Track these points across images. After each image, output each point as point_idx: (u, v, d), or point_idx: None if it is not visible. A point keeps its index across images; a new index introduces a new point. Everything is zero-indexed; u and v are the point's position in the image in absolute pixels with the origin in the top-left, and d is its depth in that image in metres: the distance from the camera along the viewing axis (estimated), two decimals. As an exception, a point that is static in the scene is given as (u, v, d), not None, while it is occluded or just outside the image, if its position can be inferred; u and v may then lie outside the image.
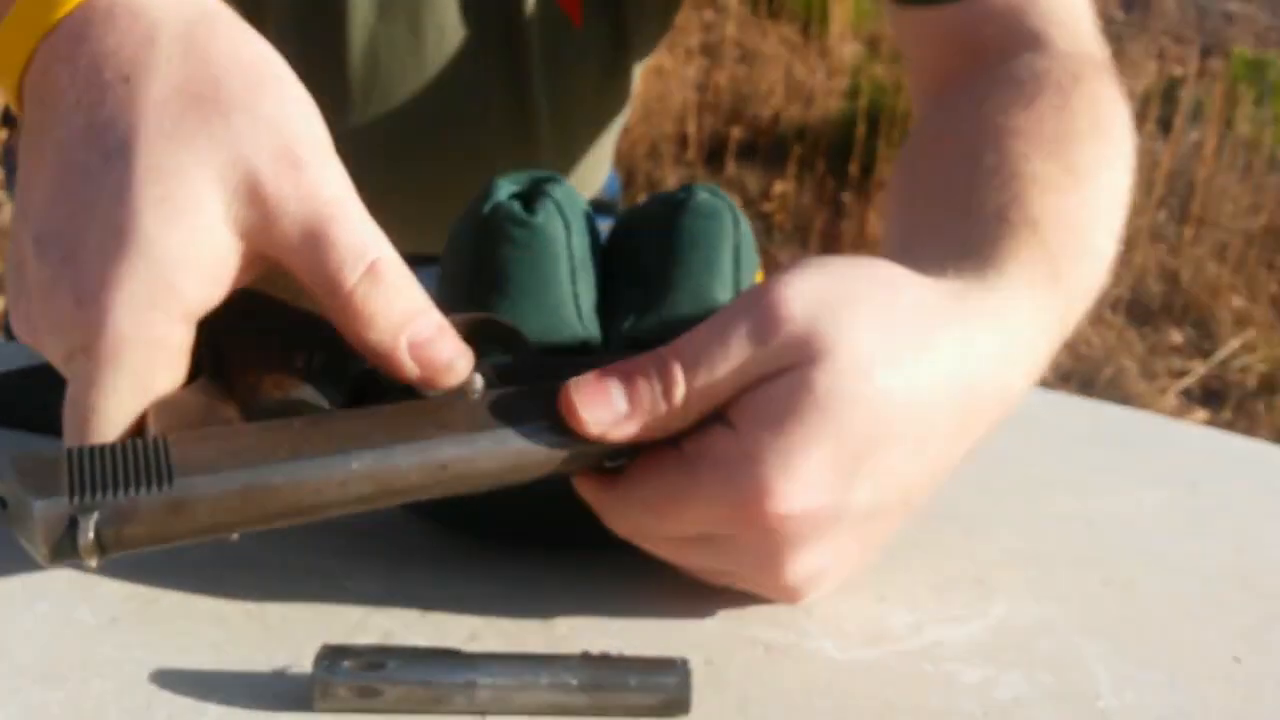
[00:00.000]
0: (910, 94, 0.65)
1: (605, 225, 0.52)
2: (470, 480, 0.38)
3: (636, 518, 0.41)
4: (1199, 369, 2.56)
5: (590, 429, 0.39)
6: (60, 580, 0.44)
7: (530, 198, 0.48)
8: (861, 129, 2.95)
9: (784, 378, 0.39)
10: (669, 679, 0.38)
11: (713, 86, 3.20)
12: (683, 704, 0.38)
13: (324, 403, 0.38)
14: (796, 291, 0.40)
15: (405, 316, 0.38)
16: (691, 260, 0.48)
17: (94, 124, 0.37)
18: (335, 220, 0.38)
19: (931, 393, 0.40)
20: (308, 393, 0.38)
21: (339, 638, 0.41)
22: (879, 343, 0.39)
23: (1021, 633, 0.45)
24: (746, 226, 0.50)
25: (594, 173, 0.84)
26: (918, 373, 0.40)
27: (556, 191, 0.48)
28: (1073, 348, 2.51)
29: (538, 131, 0.76)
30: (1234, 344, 2.61)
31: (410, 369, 0.38)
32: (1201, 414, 2.42)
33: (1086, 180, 0.49)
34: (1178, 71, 3.23)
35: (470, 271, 0.48)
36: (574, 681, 0.38)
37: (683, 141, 3.03)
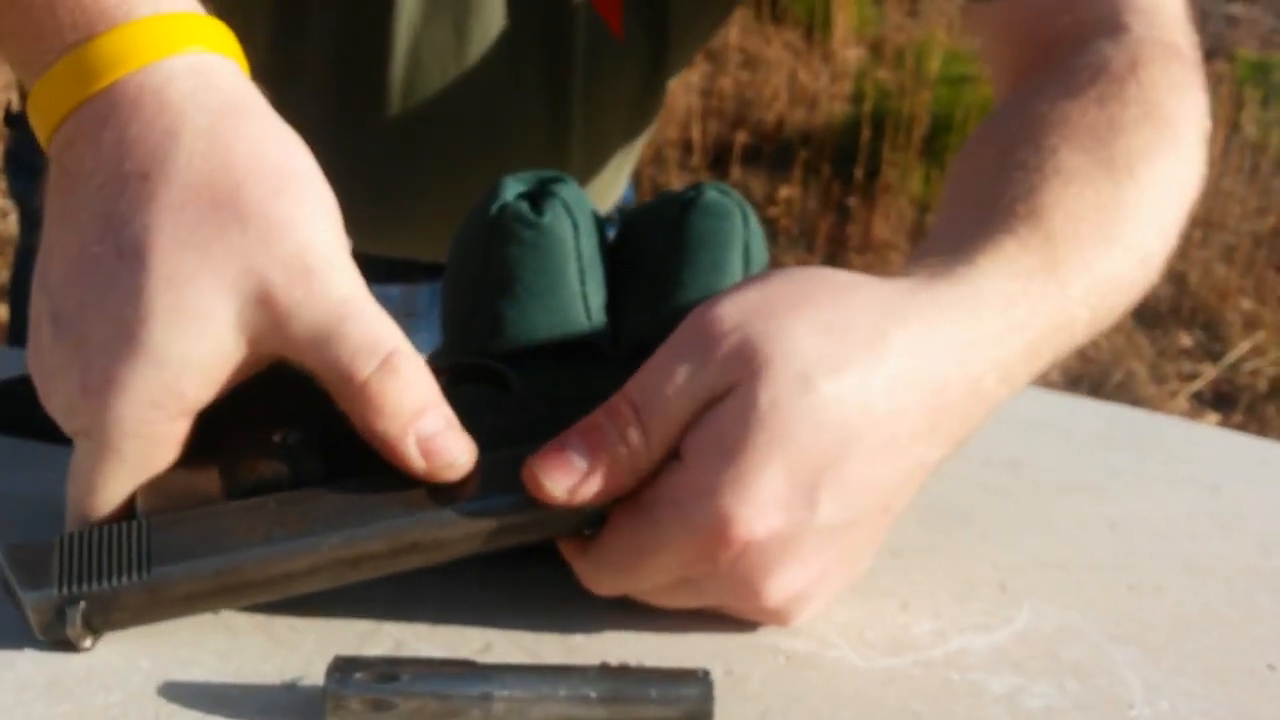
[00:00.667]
0: (993, 91, 0.63)
1: (614, 233, 0.51)
2: (442, 553, 0.40)
3: (614, 578, 0.41)
4: (1209, 372, 2.55)
5: (557, 495, 0.39)
6: (64, 591, 0.43)
7: (537, 198, 0.47)
8: (866, 133, 2.95)
9: (728, 399, 0.39)
10: (690, 690, 0.37)
11: (717, 92, 3.20)
12: (705, 716, 0.37)
13: (303, 474, 0.40)
14: (731, 307, 0.40)
15: (416, 410, 0.39)
16: (701, 260, 0.47)
17: (111, 218, 0.38)
18: (347, 319, 0.38)
19: (888, 393, 0.39)
20: (283, 470, 0.40)
21: (350, 649, 0.40)
22: (820, 348, 0.39)
23: (1048, 640, 0.44)
24: (757, 225, 0.49)
25: (615, 186, 0.84)
26: (867, 374, 0.39)
27: (564, 191, 0.48)
28: (1081, 351, 2.50)
29: (570, 142, 0.76)
30: (1244, 347, 2.60)
31: (416, 462, 0.39)
32: (1212, 417, 2.41)
33: (1124, 172, 0.47)
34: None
35: (478, 272, 0.47)
36: (593, 694, 0.37)
37: (687, 147, 3.03)
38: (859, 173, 2.94)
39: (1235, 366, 2.57)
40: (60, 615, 0.37)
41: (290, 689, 0.38)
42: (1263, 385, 2.54)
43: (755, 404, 0.38)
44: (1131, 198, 0.47)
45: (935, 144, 2.96)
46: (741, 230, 0.48)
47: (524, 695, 0.37)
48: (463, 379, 0.43)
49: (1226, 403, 2.49)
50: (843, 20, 3.41)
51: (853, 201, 2.95)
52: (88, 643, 0.38)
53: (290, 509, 0.39)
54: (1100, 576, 0.50)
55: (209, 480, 0.40)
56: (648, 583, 0.41)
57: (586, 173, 0.79)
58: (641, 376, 0.40)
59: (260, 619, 0.42)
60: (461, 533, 0.39)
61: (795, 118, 3.17)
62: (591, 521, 0.40)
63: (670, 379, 0.39)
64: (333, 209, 0.40)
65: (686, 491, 0.39)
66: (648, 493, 0.40)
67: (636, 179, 0.90)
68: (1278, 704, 0.42)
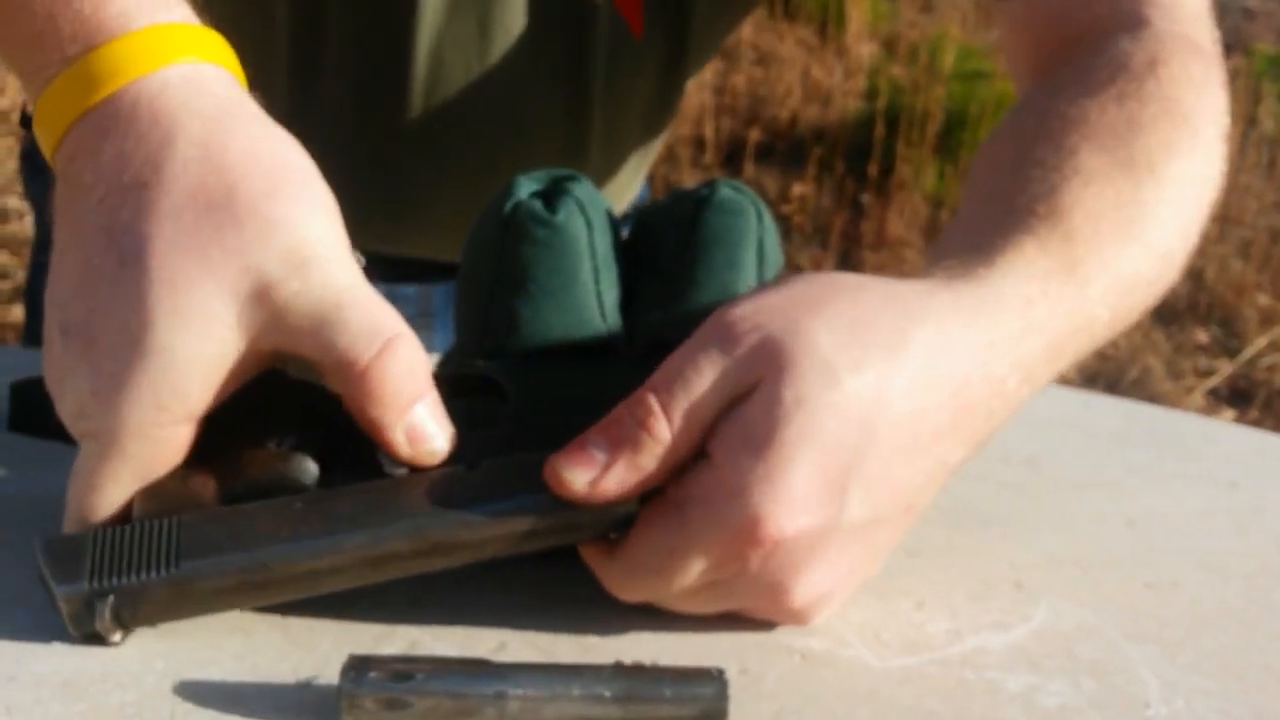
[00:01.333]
0: (1014, 88, 0.63)
1: (628, 231, 0.51)
2: (466, 555, 0.40)
3: (641, 582, 0.41)
4: (1226, 368, 2.53)
5: (577, 488, 0.39)
6: (81, 590, 0.43)
7: (551, 196, 0.47)
8: (880, 129, 2.94)
9: (754, 397, 0.38)
10: (706, 689, 0.37)
11: (730, 89, 3.19)
12: (720, 715, 0.37)
13: (296, 480, 0.40)
14: (752, 307, 0.40)
15: (412, 397, 0.39)
16: (715, 257, 0.47)
17: (113, 229, 0.39)
18: (346, 306, 0.39)
19: (910, 392, 0.39)
20: (276, 474, 0.40)
21: (365, 648, 0.40)
22: (843, 346, 0.39)
23: (1065, 638, 0.44)
24: (771, 222, 0.49)
25: (632, 185, 0.84)
26: (890, 373, 0.39)
27: (578, 190, 0.48)
28: (1097, 349, 2.48)
29: (589, 142, 0.76)
30: (1260, 342, 2.58)
31: (403, 448, 0.40)
32: (1229, 414, 2.40)
33: (1144, 171, 0.47)
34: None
35: (492, 271, 0.47)
36: (607, 693, 0.37)
37: (700, 144, 3.03)
38: (873, 169, 2.94)
39: (1252, 363, 2.56)
40: (90, 608, 0.38)
41: (305, 688, 0.38)
42: (1279, 381, 2.52)
43: (780, 399, 0.38)
44: (1152, 196, 0.47)
45: (949, 140, 2.95)
46: (755, 227, 0.48)
47: (538, 694, 0.37)
48: (458, 392, 0.43)
49: (1243, 399, 2.48)
50: (856, 16, 3.40)
51: (867, 198, 2.94)
52: (116, 636, 0.39)
53: (315, 508, 0.39)
54: (1117, 574, 0.49)
55: (204, 485, 0.40)
56: (675, 586, 0.40)
57: (605, 172, 0.79)
58: (663, 372, 0.40)
59: (276, 619, 0.42)
60: (486, 535, 0.39)
61: (809, 114, 3.16)
62: (618, 524, 0.40)
63: (694, 373, 0.39)
64: (329, 204, 0.41)
65: (716, 490, 0.38)
66: (675, 492, 0.39)
67: (649, 177, 0.90)
68: (1297, 703, 0.41)
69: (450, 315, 0.72)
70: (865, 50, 3.37)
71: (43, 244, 0.88)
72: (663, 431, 0.39)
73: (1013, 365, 0.42)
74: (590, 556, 0.42)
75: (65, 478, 0.52)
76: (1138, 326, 2.59)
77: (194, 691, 0.38)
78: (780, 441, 0.38)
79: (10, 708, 0.37)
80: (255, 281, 0.38)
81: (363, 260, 0.41)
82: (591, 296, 0.47)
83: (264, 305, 0.39)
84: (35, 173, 0.86)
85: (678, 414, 0.39)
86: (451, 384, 0.42)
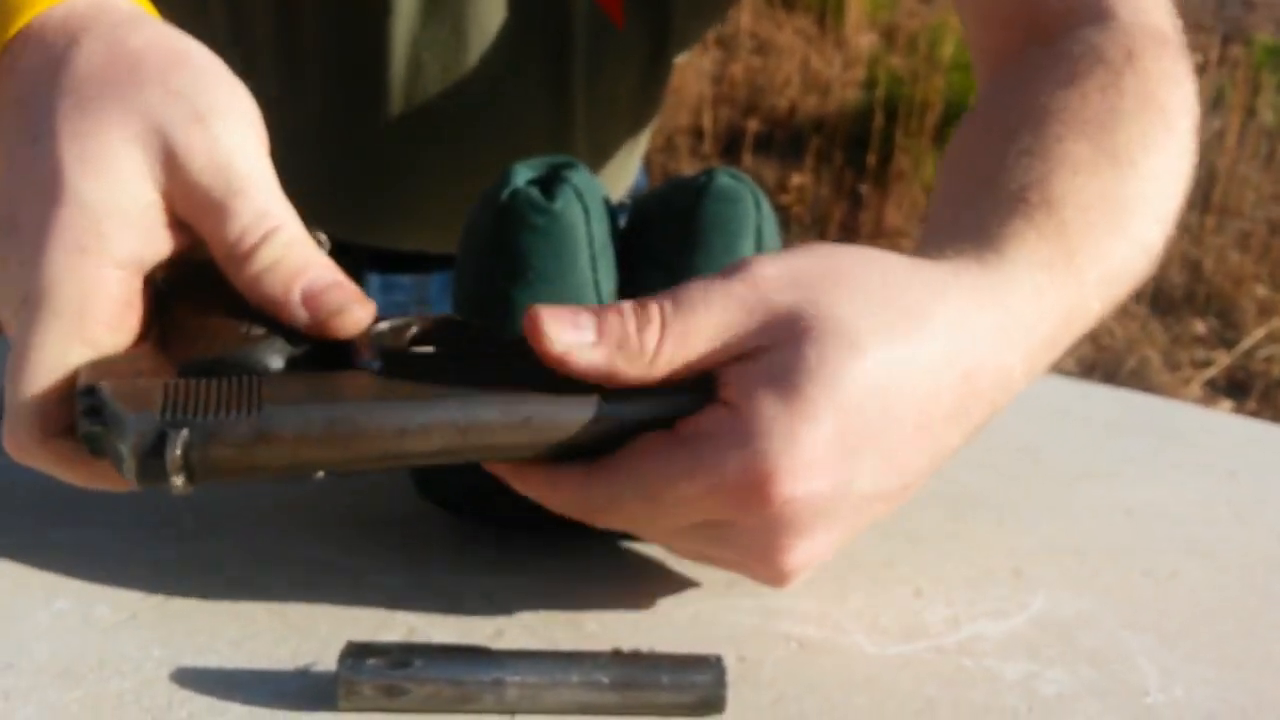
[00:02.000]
0: (974, 74, 0.63)
1: (626, 219, 0.51)
2: (550, 436, 0.38)
3: (628, 507, 0.39)
4: (1223, 359, 2.53)
5: (553, 345, 0.37)
6: (79, 578, 0.43)
7: (548, 183, 0.47)
8: (879, 120, 2.94)
9: (774, 353, 0.37)
10: (703, 677, 0.37)
11: (728, 79, 3.19)
12: (718, 702, 0.37)
13: (262, 366, 0.38)
14: (778, 270, 0.39)
15: (296, 270, 0.39)
16: (713, 245, 0.47)
17: (26, 119, 0.40)
18: (241, 193, 0.39)
19: (929, 370, 0.39)
20: (243, 355, 0.38)
21: (363, 634, 0.40)
22: (867, 316, 0.38)
23: (1063, 626, 0.44)
24: (769, 210, 0.48)
25: (625, 174, 0.83)
26: (911, 347, 0.38)
27: (575, 177, 0.47)
28: (1095, 339, 2.49)
29: (574, 133, 0.75)
30: (1258, 334, 2.58)
31: (302, 315, 0.39)
32: (1226, 404, 2.40)
33: (1126, 163, 0.47)
34: (1198, 60, 3.20)
35: (489, 259, 0.47)
36: (605, 680, 0.37)
37: (698, 134, 3.02)
38: (872, 159, 2.93)
39: (1250, 354, 2.56)
40: (160, 442, 0.35)
41: (303, 674, 0.38)
42: (1277, 372, 2.53)
43: (805, 357, 0.37)
44: (1135, 189, 0.47)
45: (948, 130, 2.95)
46: (754, 215, 0.48)
47: (537, 681, 0.37)
48: (436, 333, 0.42)
49: (1240, 390, 2.48)
50: (855, 6, 3.39)
51: (865, 188, 2.94)
52: (179, 480, 0.35)
53: (397, 380, 0.37)
54: (1115, 563, 0.49)
55: (159, 361, 0.38)
56: (663, 519, 0.39)
57: (593, 162, 0.78)
58: (679, 292, 0.38)
59: (275, 606, 0.42)
60: (575, 414, 0.38)
61: (807, 104, 3.16)
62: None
63: (705, 308, 0.38)
64: (241, 90, 0.41)
65: (732, 431, 0.37)
66: (685, 426, 0.38)
67: (647, 167, 0.90)
68: (1295, 691, 0.41)
69: (447, 304, 0.71)
70: (864, 40, 3.37)
71: None
72: (650, 342, 0.38)
73: (1022, 354, 0.42)
74: (565, 478, 0.40)
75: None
76: (1135, 317, 2.59)
77: (191, 678, 0.38)
78: (804, 396, 0.37)
79: (8, 694, 0.37)
80: (160, 140, 0.39)
81: (326, 243, 0.41)
82: (589, 284, 0.46)
83: (167, 167, 0.39)
84: None
85: (672, 334, 0.38)
86: (425, 326, 0.41)
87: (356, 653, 0.37)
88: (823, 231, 2.80)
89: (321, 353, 0.39)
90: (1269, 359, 2.55)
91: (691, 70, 3.08)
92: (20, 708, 0.36)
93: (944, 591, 0.46)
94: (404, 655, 0.37)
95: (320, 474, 0.37)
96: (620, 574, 0.46)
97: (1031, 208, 0.45)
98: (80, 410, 0.36)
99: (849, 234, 2.80)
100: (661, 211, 0.49)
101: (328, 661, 0.39)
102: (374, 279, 0.78)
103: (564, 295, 0.46)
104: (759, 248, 0.48)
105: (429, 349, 0.41)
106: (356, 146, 0.72)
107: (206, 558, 0.45)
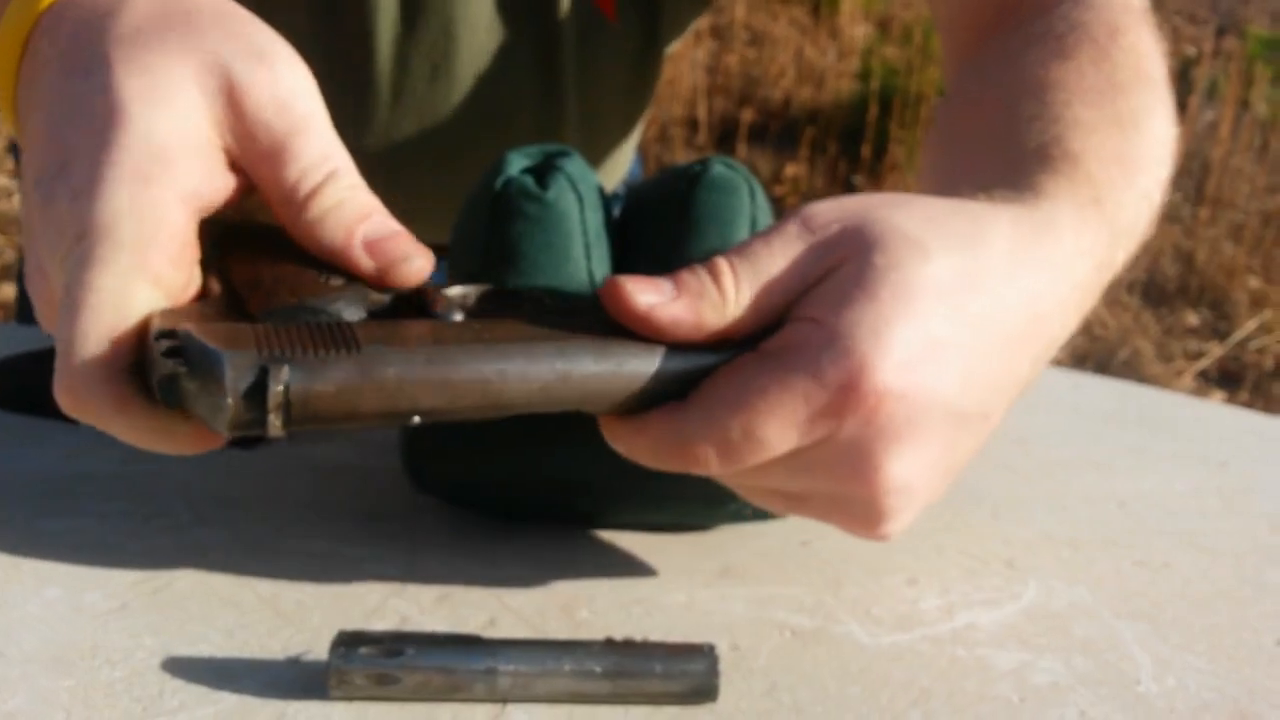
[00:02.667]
0: (942, 55, 0.62)
1: (620, 209, 0.51)
2: (642, 384, 0.37)
3: (724, 433, 0.36)
4: (1216, 351, 2.54)
5: (636, 303, 0.36)
6: (70, 565, 0.43)
7: (542, 172, 0.47)
8: (873, 111, 2.93)
9: (845, 267, 0.37)
10: (696, 665, 0.37)
11: (723, 69, 3.18)
12: (710, 691, 0.37)
13: (344, 315, 0.37)
14: (827, 207, 0.39)
15: (359, 215, 0.38)
16: (708, 234, 0.47)
17: (71, 56, 0.38)
18: (303, 133, 0.38)
19: (996, 283, 0.38)
20: (325, 303, 0.36)
21: (355, 623, 0.40)
22: (927, 229, 0.38)
23: (1056, 616, 0.44)
24: (764, 199, 0.48)
25: (619, 164, 0.83)
26: (977, 260, 0.38)
27: (569, 166, 0.47)
28: (1088, 330, 2.49)
29: (565, 129, 0.75)
30: (1250, 325, 2.59)
31: (365, 263, 0.38)
32: (1219, 396, 2.40)
33: (1131, 127, 0.47)
34: (1191, 52, 3.20)
35: (483, 247, 0.47)
36: (598, 668, 0.37)
37: (693, 125, 3.02)
38: (866, 150, 2.93)
39: (1242, 345, 2.56)
40: (261, 379, 0.32)
41: (295, 663, 0.38)
42: (1269, 364, 2.53)
43: (874, 264, 0.36)
44: (1140, 151, 0.47)
45: (942, 122, 2.94)
46: (748, 204, 0.48)
47: (529, 670, 0.37)
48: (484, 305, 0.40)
49: (1233, 381, 2.48)
50: (849, -3, 3.39)
51: (859, 180, 2.94)
52: (277, 421, 0.33)
53: (492, 329, 0.36)
54: (1108, 553, 0.49)
55: (232, 310, 0.36)
56: (756, 449, 0.37)
57: (585, 154, 0.78)
58: (741, 246, 0.38)
59: (267, 595, 0.42)
60: (666, 364, 0.37)
61: (802, 95, 3.15)
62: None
63: (766, 251, 0.37)
64: (289, 45, 0.40)
65: (816, 336, 0.36)
66: (769, 344, 0.37)
67: (642, 157, 0.89)
68: (1287, 680, 0.41)
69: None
70: (859, 31, 3.36)
71: None
72: (729, 288, 0.37)
73: (1073, 286, 0.41)
74: (654, 416, 0.38)
75: (54, 455, 0.52)
76: (1128, 308, 2.60)
77: (183, 667, 0.38)
78: (880, 299, 0.36)
79: (-2, 683, 0.36)
80: (221, 75, 0.38)
81: None
82: (583, 273, 0.46)
83: (230, 104, 0.38)
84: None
85: (745, 279, 0.37)
86: (469, 297, 0.40)
87: (348, 642, 0.36)
88: (817, 222, 2.80)
89: (399, 306, 0.38)
90: (1261, 350, 2.56)
91: (686, 61, 3.07)
92: (10, 696, 0.36)
93: (938, 581, 0.46)
94: (396, 644, 0.37)
95: (416, 420, 0.35)
96: (613, 563, 0.46)
97: (1055, 161, 0.45)
98: (160, 352, 0.33)
99: (843, 225, 2.79)
100: (656, 200, 0.49)
101: (319, 651, 0.39)
102: None
103: (557, 284, 0.46)
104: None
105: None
106: (346, 143, 0.72)
107: (198, 547, 0.45)
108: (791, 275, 0.37)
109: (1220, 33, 3.33)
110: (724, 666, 0.38)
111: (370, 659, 0.36)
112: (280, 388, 0.33)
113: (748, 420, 0.36)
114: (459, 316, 0.37)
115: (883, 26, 3.41)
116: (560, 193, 0.46)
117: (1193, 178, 2.84)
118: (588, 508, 0.47)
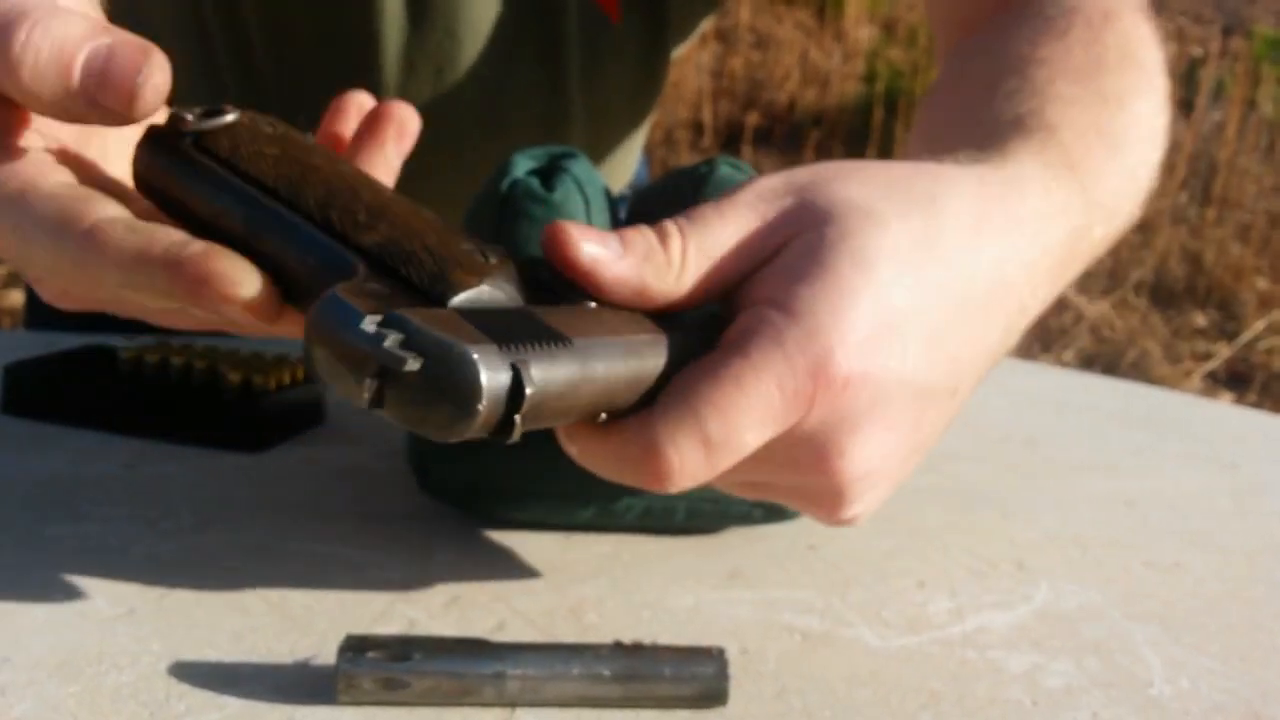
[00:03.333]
0: (935, 43, 0.62)
1: (626, 210, 0.50)
2: (650, 383, 0.34)
3: (698, 424, 0.34)
4: (1224, 351, 2.53)
5: (581, 255, 0.34)
6: (76, 571, 0.43)
7: (548, 174, 0.47)
8: (879, 113, 2.93)
9: (797, 240, 0.36)
10: (706, 669, 0.37)
11: (728, 72, 3.19)
12: (720, 694, 0.37)
13: (517, 298, 0.33)
14: (780, 178, 0.38)
15: (70, 39, 0.34)
16: None
17: None
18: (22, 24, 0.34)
19: (955, 248, 0.37)
20: (497, 284, 0.33)
21: (362, 627, 0.40)
22: (881, 199, 0.37)
23: (1067, 618, 0.44)
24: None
25: (625, 166, 0.83)
26: (934, 225, 0.37)
27: (575, 167, 0.47)
28: (1095, 330, 2.48)
29: (570, 131, 0.75)
30: (1259, 326, 2.58)
31: (73, 79, 0.34)
32: (1227, 397, 2.40)
33: (1115, 103, 0.47)
34: (1197, 52, 3.20)
35: (491, 251, 0.46)
36: (607, 672, 0.37)
37: (698, 128, 3.02)
38: (871, 153, 2.93)
39: (1250, 346, 2.56)
40: (516, 383, 0.29)
41: (303, 668, 0.38)
42: (1277, 364, 2.52)
43: (826, 239, 0.35)
44: (1123, 128, 0.47)
45: (948, 123, 2.94)
46: (755, 206, 0.47)
47: (538, 674, 0.36)
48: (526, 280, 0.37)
49: (1241, 382, 2.48)
50: (854, -1, 3.39)
51: (865, 182, 2.94)
52: (520, 429, 0.29)
53: (632, 318, 0.34)
54: (1118, 554, 0.49)
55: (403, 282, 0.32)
56: (733, 446, 0.34)
57: (591, 157, 0.78)
58: (693, 212, 0.37)
59: (272, 598, 0.42)
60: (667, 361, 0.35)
61: (807, 98, 3.15)
62: None
63: (718, 219, 0.36)
64: None
65: (779, 319, 0.35)
66: (729, 334, 0.36)
67: (648, 159, 0.89)
68: (1300, 681, 0.41)
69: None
70: (864, 33, 3.36)
71: None
72: (676, 254, 0.36)
73: (1043, 250, 0.40)
74: (616, 427, 0.35)
75: (60, 460, 0.52)
76: (1135, 309, 2.59)
77: (190, 672, 0.38)
78: (836, 273, 0.35)
79: (5, 688, 0.36)
80: None
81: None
82: (590, 275, 0.46)
83: None
84: None
85: (693, 244, 0.36)
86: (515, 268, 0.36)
87: (356, 646, 0.36)
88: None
89: (545, 287, 0.35)
90: (1269, 351, 2.55)
91: (691, 64, 3.07)
92: (17, 702, 0.36)
93: (947, 584, 0.46)
94: (403, 648, 0.36)
95: (602, 417, 0.33)
96: (619, 567, 0.45)
97: (1029, 130, 0.44)
98: (385, 343, 0.28)
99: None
100: (662, 202, 0.49)
101: (327, 655, 0.38)
102: None
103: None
104: (760, 238, 0.47)
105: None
106: None
107: (204, 551, 0.45)
108: (744, 245, 0.36)
109: (1226, 33, 3.33)
110: (733, 670, 0.38)
111: (378, 663, 0.36)
112: (531, 390, 0.29)
113: (725, 414, 0.34)
114: (592, 304, 0.35)
115: (888, 29, 3.41)
116: (566, 195, 0.46)
117: (1200, 178, 2.84)
118: (592, 510, 0.47)
